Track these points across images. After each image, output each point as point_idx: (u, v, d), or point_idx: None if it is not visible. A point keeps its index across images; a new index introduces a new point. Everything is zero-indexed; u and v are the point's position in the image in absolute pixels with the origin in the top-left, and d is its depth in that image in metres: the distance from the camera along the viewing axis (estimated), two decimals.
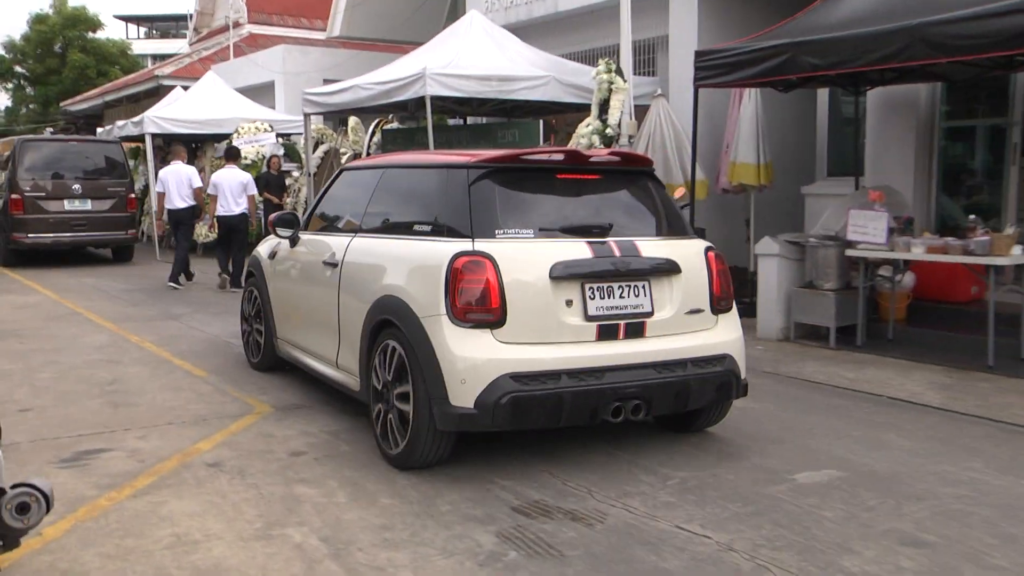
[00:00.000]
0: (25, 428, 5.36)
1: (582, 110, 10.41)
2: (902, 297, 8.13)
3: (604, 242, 4.63)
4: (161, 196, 12.22)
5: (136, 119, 16.28)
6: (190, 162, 13.96)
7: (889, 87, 8.67)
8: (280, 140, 15.63)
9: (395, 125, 13.81)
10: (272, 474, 4.52)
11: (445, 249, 4.46)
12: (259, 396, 6.12)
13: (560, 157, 4.86)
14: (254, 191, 11.65)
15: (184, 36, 37.95)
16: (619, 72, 9.33)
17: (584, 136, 9.27)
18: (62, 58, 38.07)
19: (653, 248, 4.75)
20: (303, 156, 14.59)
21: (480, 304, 4.31)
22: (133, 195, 15.30)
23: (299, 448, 4.95)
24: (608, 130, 9.23)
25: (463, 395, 4.26)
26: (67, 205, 14.44)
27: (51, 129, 31.57)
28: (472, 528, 3.85)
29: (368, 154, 13.45)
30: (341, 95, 11.35)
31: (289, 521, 3.92)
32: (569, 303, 4.45)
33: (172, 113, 16.06)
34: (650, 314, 4.63)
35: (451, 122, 13.76)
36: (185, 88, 18.10)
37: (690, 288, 4.76)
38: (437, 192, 4.89)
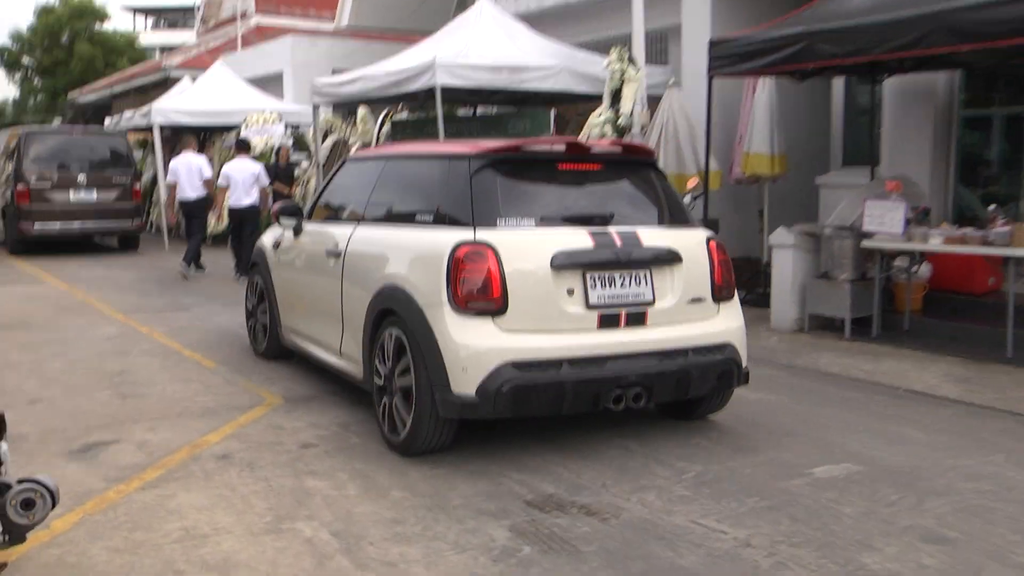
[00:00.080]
0: (34, 419, 5.32)
1: (593, 100, 10.29)
2: (918, 288, 8.04)
3: (606, 231, 4.65)
4: (173, 186, 12.25)
5: (144, 110, 16.24)
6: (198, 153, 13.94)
7: (907, 75, 8.55)
8: (289, 130, 15.57)
9: (404, 116, 13.73)
10: (282, 466, 4.47)
11: (447, 238, 4.48)
12: (269, 387, 6.07)
13: (562, 148, 4.88)
14: (266, 182, 11.67)
15: (192, 27, 37.91)
16: (632, 61, 9.23)
17: (596, 126, 9.17)
18: (69, 49, 38.04)
19: (654, 237, 4.76)
20: (312, 146, 14.53)
21: (482, 293, 4.34)
22: (138, 186, 15.36)
23: (309, 440, 4.89)
24: (621, 120, 9.13)
25: (465, 383, 4.29)
26: (73, 195, 14.51)
27: (59, 120, 31.60)
28: (485, 522, 3.78)
29: (378, 144, 13.38)
30: (350, 85, 11.27)
31: (299, 514, 3.86)
32: (570, 292, 4.47)
33: (180, 104, 16.02)
34: (651, 303, 4.65)
35: (461, 112, 13.66)
36: (193, 79, 18.05)
37: (691, 277, 4.78)
38: (439, 182, 4.93)
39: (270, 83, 18.83)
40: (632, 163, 5.16)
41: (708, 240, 4.95)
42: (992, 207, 7.40)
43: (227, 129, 16.23)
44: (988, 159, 9.26)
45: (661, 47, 11.96)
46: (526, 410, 4.38)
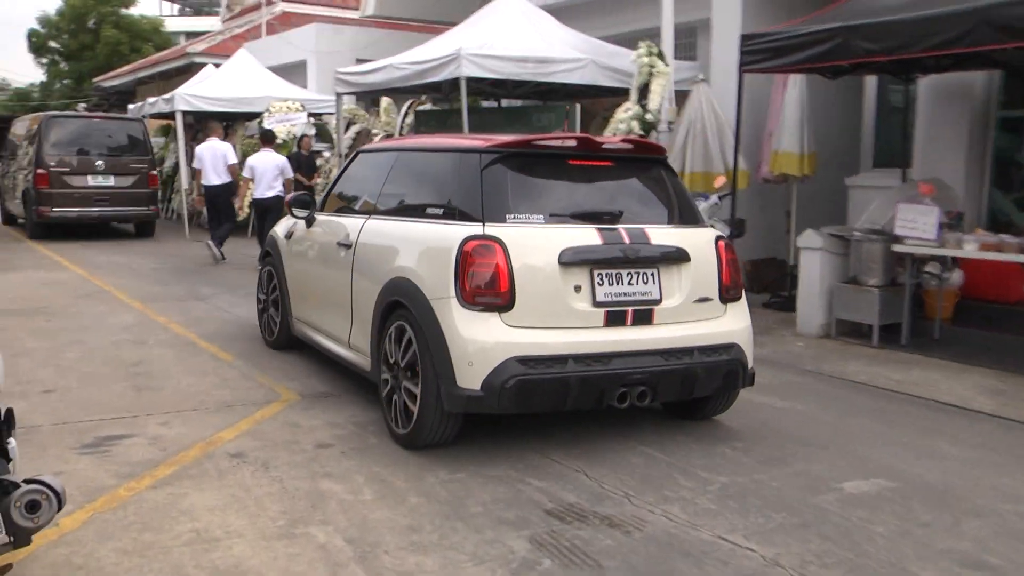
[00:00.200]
0: (48, 410, 5.26)
1: (619, 94, 10.14)
2: (950, 295, 7.84)
3: (614, 229, 4.63)
4: (198, 172, 12.33)
5: (167, 96, 16.22)
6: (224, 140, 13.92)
7: (943, 75, 8.32)
8: (311, 120, 15.49)
9: (428, 106, 13.61)
10: (297, 467, 4.36)
11: (456, 232, 4.48)
12: (286, 383, 5.97)
13: (572, 143, 4.89)
14: (290, 174, 11.78)
15: (217, 14, 37.92)
16: (660, 56, 9.05)
17: (623, 121, 9.01)
18: (96, 34, 38.17)
19: (663, 236, 4.74)
20: (334, 137, 14.45)
21: (489, 288, 4.34)
22: (155, 172, 15.52)
23: (325, 440, 4.79)
24: (648, 115, 8.96)
25: (470, 377, 4.29)
26: (91, 181, 14.68)
27: (84, 105, 31.71)
28: (504, 532, 3.66)
29: (401, 135, 13.27)
30: (375, 75, 11.16)
31: (313, 519, 3.76)
32: (578, 289, 4.46)
33: (203, 90, 15.98)
34: (658, 301, 4.64)
35: (485, 104, 13.52)
36: (217, 66, 18.01)
37: (699, 277, 4.77)
38: (450, 176, 4.93)
39: (294, 71, 18.76)
40: (643, 160, 5.15)
41: (717, 240, 4.93)
42: None
43: (249, 117, 16.17)
44: (1021, 162, 9.01)
45: (690, 42, 11.75)
46: (530, 405, 4.39)
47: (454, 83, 9.93)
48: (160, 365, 6.41)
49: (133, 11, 39.71)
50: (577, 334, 4.43)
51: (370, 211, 5.59)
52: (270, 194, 11.37)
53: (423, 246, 4.74)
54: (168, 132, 19.00)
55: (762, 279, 10.12)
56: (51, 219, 14.53)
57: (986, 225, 8.28)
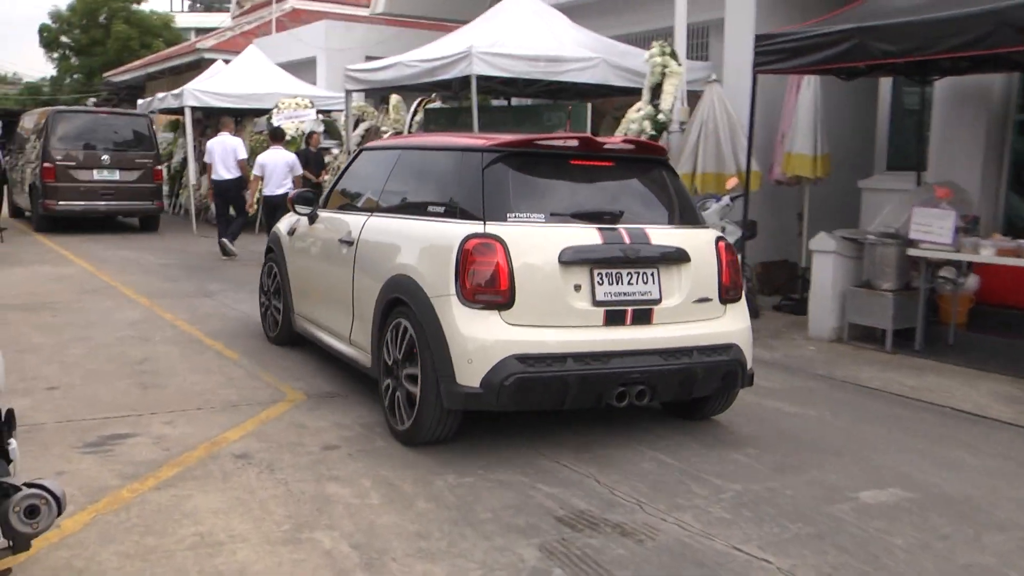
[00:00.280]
0: (51, 407, 5.20)
1: (630, 94, 10.04)
2: (965, 300, 7.72)
3: (614, 228, 4.65)
4: (208, 166, 12.40)
5: (176, 91, 16.19)
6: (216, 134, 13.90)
7: (960, 77, 8.21)
8: (320, 117, 15.44)
9: (438, 104, 13.53)
10: (303, 469, 4.29)
11: (457, 231, 4.50)
12: (292, 383, 5.90)
13: (574, 143, 4.89)
14: (300, 171, 11.80)
15: (227, 10, 37.92)
16: (673, 55, 8.96)
17: (635, 121, 8.92)
18: (106, 29, 38.22)
19: (663, 236, 4.76)
20: (343, 134, 14.38)
21: (489, 286, 4.36)
22: (159, 167, 15.68)
23: (332, 441, 4.72)
24: (660, 116, 8.87)
25: (470, 374, 4.30)
26: (96, 175, 14.82)
27: (94, 100, 31.73)
28: (514, 540, 3.59)
29: (410, 133, 13.20)
30: (384, 72, 11.10)
31: (319, 524, 3.68)
32: (577, 288, 4.47)
33: (212, 86, 15.94)
34: (658, 301, 4.65)
35: (495, 103, 13.44)
36: (226, 62, 17.97)
37: (699, 277, 4.78)
38: (452, 175, 4.96)
39: (303, 68, 18.70)
40: (644, 161, 5.16)
41: (717, 240, 4.94)
42: None
43: (258, 113, 16.13)
44: None
45: (701, 42, 11.65)
46: (529, 403, 4.40)
47: (464, 81, 9.86)
48: (165, 363, 6.35)
49: (144, 7, 39.78)
50: (576, 333, 4.44)
51: (372, 208, 5.62)
52: (280, 191, 11.37)
53: (424, 244, 4.76)
54: (177, 127, 18.97)
55: (773, 282, 10.02)
56: (57, 212, 14.65)
57: (1002, 229, 8.16)
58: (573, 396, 4.39)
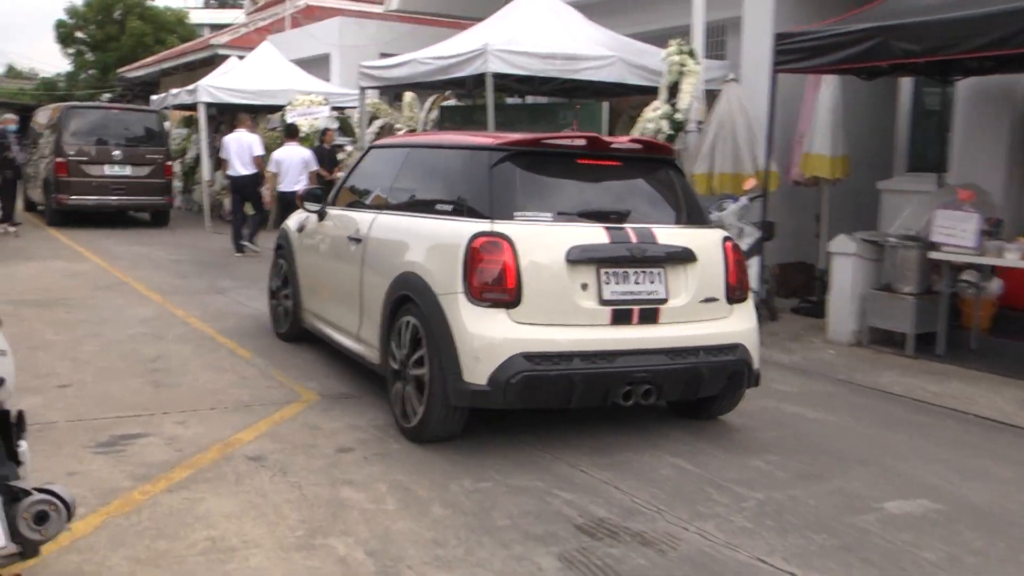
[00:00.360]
0: (64, 405, 5.15)
1: (646, 93, 9.93)
2: (987, 305, 7.59)
3: (621, 228, 4.66)
4: (224, 162, 12.41)
5: (190, 87, 16.17)
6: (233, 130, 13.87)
7: (984, 77, 8.08)
8: (334, 114, 15.38)
9: (452, 102, 13.45)
10: (317, 472, 4.22)
11: (464, 229, 4.52)
12: (305, 382, 5.84)
13: (582, 142, 4.91)
14: (315, 167, 11.77)
15: (241, 6, 37.92)
16: (691, 54, 8.85)
17: (652, 121, 8.80)
18: (121, 25, 38.30)
19: (670, 236, 4.77)
20: (357, 131, 14.32)
21: (496, 284, 4.37)
22: (170, 163, 15.84)
23: (346, 444, 4.65)
24: (678, 115, 8.76)
25: (477, 372, 4.32)
26: (107, 170, 14.98)
27: (109, 95, 31.79)
28: (532, 548, 3.51)
29: (425, 131, 13.13)
30: (399, 69, 11.01)
31: (333, 529, 3.61)
32: (584, 287, 4.48)
33: (226, 82, 15.91)
34: (664, 300, 4.66)
35: (509, 101, 13.35)
36: (240, 58, 17.93)
37: (706, 277, 4.79)
38: (460, 173, 5.00)
39: (317, 65, 18.63)
40: (651, 161, 5.18)
41: (724, 240, 4.95)
42: None
43: (272, 109, 16.09)
44: None
45: (718, 40, 11.53)
46: (536, 401, 4.42)
47: (478, 79, 9.77)
48: (178, 360, 6.29)
49: (158, 3, 39.86)
50: (583, 332, 4.45)
51: (381, 206, 5.63)
52: (296, 188, 11.31)
53: (432, 242, 4.78)
54: (191, 123, 18.95)
55: (789, 283, 9.91)
56: (69, 206, 14.79)
57: None
58: (579, 395, 4.41)
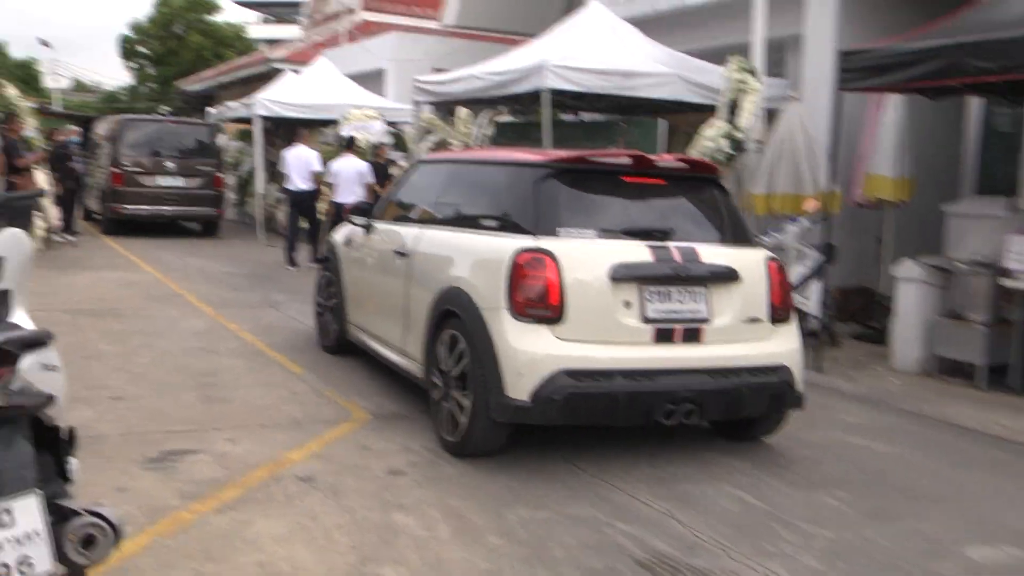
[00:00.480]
0: (115, 418, 5.14)
1: (704, 111, 9.75)
2: None
3: (665, 246, 4.66)
4: (280, 175, 12.55)
5: (247, 101, 16.36)
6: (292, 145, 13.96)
7: None
8: (388, 128, 15.42)
9: (506, 118, 13.39)
10: (368, 496, 4.12)
11: (508, 245, 4.54)
12: (357, 400, 5.76)
13: (627, 160, 4.89)
14: (371, 179, 11.79)
15: (298, 23, 38.50)
16: (752, 72, 8.67)
17: (711, 139, 8.63)
18: (182, 40, 39.15)
19: (714, 255, 4.75)
20: (411, 146, 14.33)
21: (540, 300, 4.38)
22: (220, 175, 16.19)
23: (398, 466, 4.54)
24: (738, 133, 8.57)
25: (519, 388, 4.32)
26: (161, 181, 15.38)
27: (168, 108, 32.43)
28: None
29: (480, 147, 13.08)
30: (454, 84, 10.99)
31: (385, 557, 3.50)
32: (627, 304, 4.49)
33: (282, 96, 16.06)
34: (707, 320, 4.65)
35: (565, 118, 13.24)
36: (296, 72, 18.12)
37: (749, 297, 4.76)
38: (505, 189, 5.04)
39: (372, 80, 18.75)
40: (696, 179, 5.17)
41: (768, 260, 4.93)
42: None
43: (327, 123, 16.20)
44: None
45: (777, 57, 11.29)
46: (578, 418, 4.43)
47: (533, 95, 9.68)
48: (230, 375, 6.26)
49: (217, 18, 40.66)
50: (626, 350, 4.46)
51: (426, 221, 5.70)
52: (351, 199, 11.33)
53: (476, 257, 4.82)
54: (246, 136, 19.17)
55: (848, 307, 9.62)
56: (124, 216, 15.21)
57: None
58: (621, 412, 4.39)
